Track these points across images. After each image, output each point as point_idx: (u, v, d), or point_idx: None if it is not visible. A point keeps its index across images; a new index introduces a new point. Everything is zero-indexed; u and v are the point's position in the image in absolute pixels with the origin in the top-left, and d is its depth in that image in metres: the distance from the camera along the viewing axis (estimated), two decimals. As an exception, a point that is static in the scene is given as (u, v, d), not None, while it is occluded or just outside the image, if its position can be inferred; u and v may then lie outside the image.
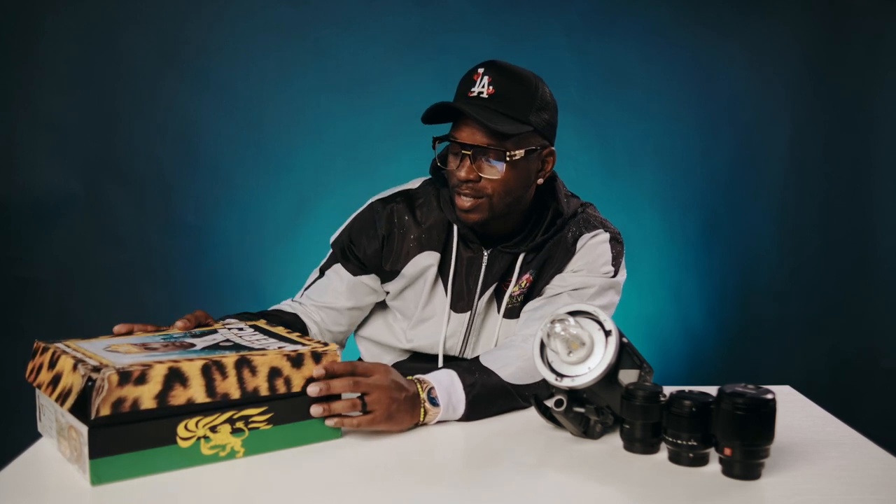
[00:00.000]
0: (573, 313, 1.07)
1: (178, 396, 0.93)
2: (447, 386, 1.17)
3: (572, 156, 2.59)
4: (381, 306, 1.52)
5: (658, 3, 2.68)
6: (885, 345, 2.79)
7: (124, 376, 0.89)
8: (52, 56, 2.41)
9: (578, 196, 1.48)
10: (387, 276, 1.44)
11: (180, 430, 0.94)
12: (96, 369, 0.89)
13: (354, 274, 1.43)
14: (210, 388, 0.96)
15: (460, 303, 1.42)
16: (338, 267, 1.44)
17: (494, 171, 1.28)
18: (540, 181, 1.36)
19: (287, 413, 1.03)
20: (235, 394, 0.98)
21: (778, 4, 2.72)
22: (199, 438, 0.96)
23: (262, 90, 2.55)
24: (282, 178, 2.57)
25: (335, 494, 0.91)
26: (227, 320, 1.27)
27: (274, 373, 1.01)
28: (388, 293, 1.47)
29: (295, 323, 1.41)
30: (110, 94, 2.46)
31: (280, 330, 1.18)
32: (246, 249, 2.56)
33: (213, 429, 0.97)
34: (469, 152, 1.27)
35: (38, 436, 1.06)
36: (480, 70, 1.28)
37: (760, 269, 2.81)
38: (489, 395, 1.19)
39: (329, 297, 1.44)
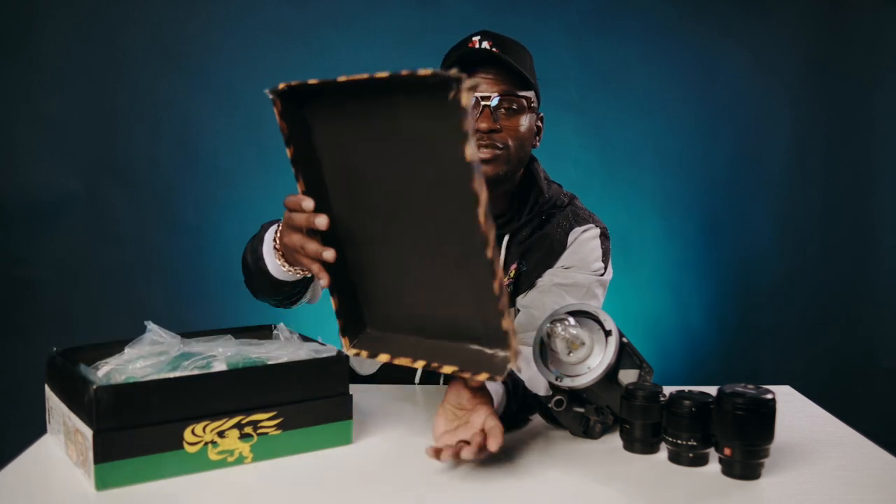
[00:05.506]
0: (573, 313, 1.07)
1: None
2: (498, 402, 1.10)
3: (572, 156, 2.58)
4: None
5: (658, 2, 2.68)
6: (885, 345, 2.79)
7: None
8: (52, 56, 2.41)
9: (562, 185, 1.48)
10: None
11: (187, 434, 0.93)
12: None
13: None
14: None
15: None
16: None
17: (514, 121, 1.29)
18: (536, 144, 1.38)
19: (296, 418, 1.01)
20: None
21: (778, 4, 2.72)
22: (206, 443, 0.94)
23: (262, 90, 2.55)
24: (282, 178, 2.56)
25: (331, 493, 0.91)
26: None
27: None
28: None
29: None
30: (110, 94, 2.46)
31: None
32: (246, 249, 2.56)
33: (221, 434, 0.95)
34: (489, 103, 1.26)
35: (38, 436, 1.06)
36: (476, 38, 1.29)
37: (760, 269, 2.81)
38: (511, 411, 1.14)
39: None
